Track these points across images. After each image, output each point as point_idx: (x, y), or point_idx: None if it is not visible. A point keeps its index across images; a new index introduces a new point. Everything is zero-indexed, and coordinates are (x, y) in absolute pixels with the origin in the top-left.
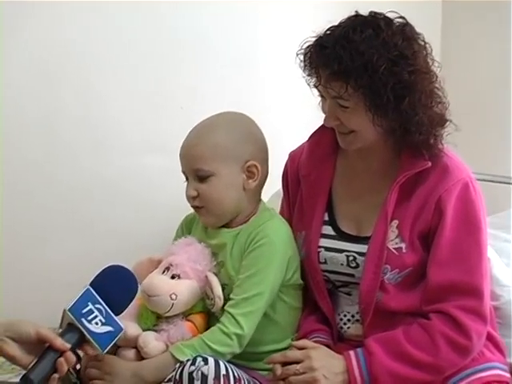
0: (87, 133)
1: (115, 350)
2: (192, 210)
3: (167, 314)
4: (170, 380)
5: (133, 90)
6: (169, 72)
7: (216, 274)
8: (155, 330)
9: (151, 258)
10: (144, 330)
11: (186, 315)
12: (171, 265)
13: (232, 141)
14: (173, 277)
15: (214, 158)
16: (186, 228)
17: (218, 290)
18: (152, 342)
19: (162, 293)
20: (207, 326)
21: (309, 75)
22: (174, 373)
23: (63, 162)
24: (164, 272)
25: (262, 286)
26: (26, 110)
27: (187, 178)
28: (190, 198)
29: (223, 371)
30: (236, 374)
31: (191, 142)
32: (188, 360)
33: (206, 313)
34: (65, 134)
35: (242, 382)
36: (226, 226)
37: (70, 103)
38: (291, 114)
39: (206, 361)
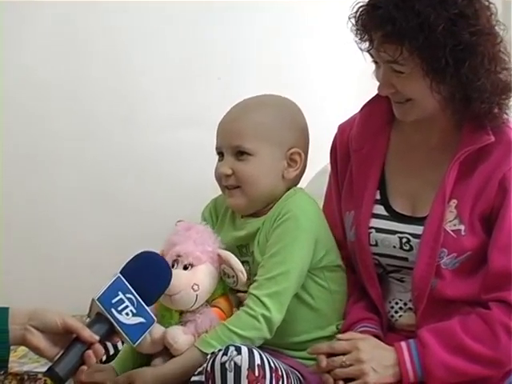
0: (117, 106)
1: (146, 361)
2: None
3: (193, 308)
4: (200, 373)
5: (166, 59)
6: (204, 40)
7: (247, 266)
8: (181, 324)
9: None
10: None
11: (209, 302)
12: (179, 255)
13: (278, 123)
14: (185, 267)
15: (258, 137)
16: (214, 211)
17: (237, 264)
18: (181, 336)
19: (182, 287)
20: (232, 307)
21: (361, 39)
22: (205, 364)
23: (92, 137)
24: (174, 266)
25: (286, 265)
26: (52, 82)
27: (221, 155)
28: (223, 176)
29: (258, 361)
30: (273, 364)
31: (234, 117)
32: (220, 350)
33: (228, 294)
34: (93, 108)
35: (280, 372)
36: (254, 215)
37: (100, 75)
38: (337, 82)
39: (239, 350)
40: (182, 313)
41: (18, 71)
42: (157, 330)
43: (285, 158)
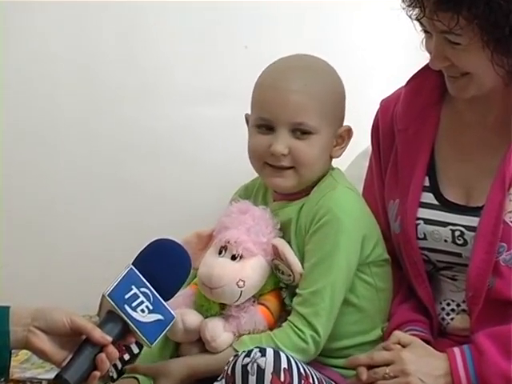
0: (132, 78)
1: (176, 349)
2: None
3: (236, 304)
4: (223, 377)
5: (186, 27)
6: (230, 4)
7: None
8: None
9: (199, 234)
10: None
11: (256, 297)
12: (229, 242)
13: (336, 96)
14: (233, 257)
15: (322, 112)
16: (251, 187)
17: (297, 265)
18: (221, 334)
19: (226, 282)
20: (281, 306)
21: (410, 5)
22: (226, 367)
23: (103, 114)
24: (221, 253)
25: (331, 275)
26: (59, 52)
27: (265, 128)
28: (278, 156)
29: (284, 364)
30: (303, 370)
31: (294, 86)
32: (243, 352)
33: (279, 289)
34: (105, 80)
35: (311, 379)
36: (287, 198)
37: (111, 43)
38: (384, 53)
39: (263, 352)
40: (224, 304)
41: (26, 42)
42: (193, 318)
43: (335, 136)
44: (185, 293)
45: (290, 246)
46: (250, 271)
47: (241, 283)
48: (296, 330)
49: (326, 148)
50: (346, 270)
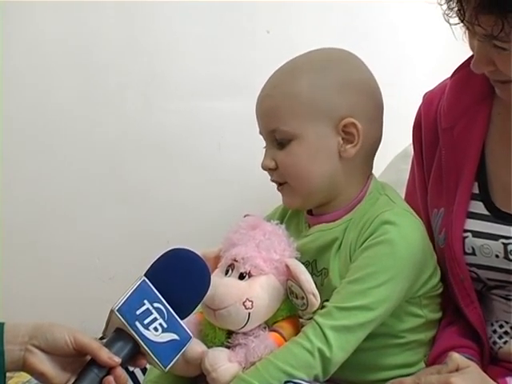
0: (134, 66)
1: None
2: None
3: (244, 330)
4: None
5: (199, 7)
6: None
7: (310, 274)
8: (228, 347)
9: (205, 255)
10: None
11: (269, 325)
12: (235, 260)
13: (322, 89)
14: (241, 276)
15: (295, 113)
16: (282, 213)
17: (308, 283)
18: (224, 363)
19: (231, 302)
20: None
21: (449, 8)
22: None
23: (102, 108)
24: (227, 272)
25: (369, 298)
26: (56, 38)
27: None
28: (268, 171)
29: None
30: None
31: (266, 92)
32: None
33: (296, 317)
34: (102, 69)
35: None
36: (328, 219)
37: (111, 25)
38: (428, 36)
39: None
40: (231, 333)
41: (23, 29)
42: (195, 347)
43: (337, 133)
44: (189, 320)
45: (330, 272)
46: (260, 290)
47: (248, 303)
48: (302, 341)
49: (321, 149)
50: (386, 300)
